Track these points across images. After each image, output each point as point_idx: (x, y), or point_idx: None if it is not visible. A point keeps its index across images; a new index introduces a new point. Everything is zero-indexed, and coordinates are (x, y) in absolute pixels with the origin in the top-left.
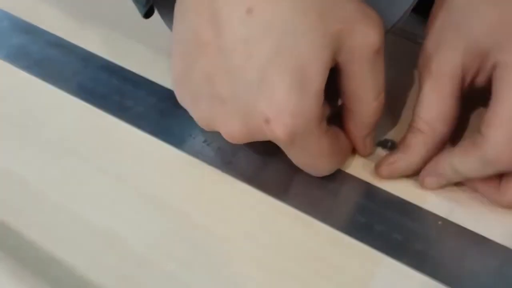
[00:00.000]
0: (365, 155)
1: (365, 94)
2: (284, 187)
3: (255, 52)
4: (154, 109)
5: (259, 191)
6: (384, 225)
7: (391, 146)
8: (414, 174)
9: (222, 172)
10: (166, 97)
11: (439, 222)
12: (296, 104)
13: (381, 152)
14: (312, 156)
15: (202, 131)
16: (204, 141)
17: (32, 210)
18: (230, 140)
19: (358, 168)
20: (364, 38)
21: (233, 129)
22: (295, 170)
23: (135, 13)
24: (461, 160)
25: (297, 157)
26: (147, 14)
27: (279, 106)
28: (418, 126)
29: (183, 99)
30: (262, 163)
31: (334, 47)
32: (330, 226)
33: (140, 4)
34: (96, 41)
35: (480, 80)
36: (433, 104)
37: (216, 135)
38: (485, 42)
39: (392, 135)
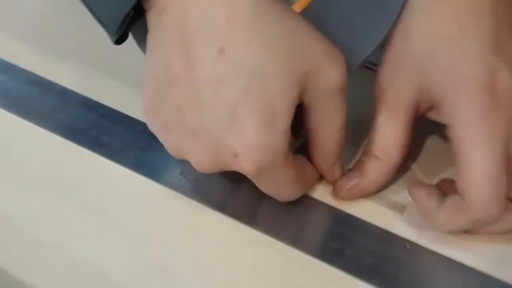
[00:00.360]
0: (333, 182)
1: (328, 129)
2: (256, 214)
3: (226, 90)
4: (132, 144)
5: (233, 220)
6: (355, 249)
7: None
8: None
9: (198, 203)
10: (143, 131)
11: (407, 245)
12: (263, 141)
13: None
14: (278, 185)
15: (179, 163)
16: (181, 173)
17: (13, 245)
18: (199, 170)
19: (327, 193)
20: (329, 78)
21: (203, 160)
22: (264, 197)
23: (112, 49)
24: (449, 222)
25: (264, 186)
26: (119, 41)
27: (248, 142)
28: (374, 152)
29: (153, 126)
30: (235, 191)
31: (301, 86)
32: (302, 252)
33: (111, 33)
34: (73, 77)
35: (433, 115)
36: (388, 133)
37: (192, 167)
38: (438, 87)
39: None
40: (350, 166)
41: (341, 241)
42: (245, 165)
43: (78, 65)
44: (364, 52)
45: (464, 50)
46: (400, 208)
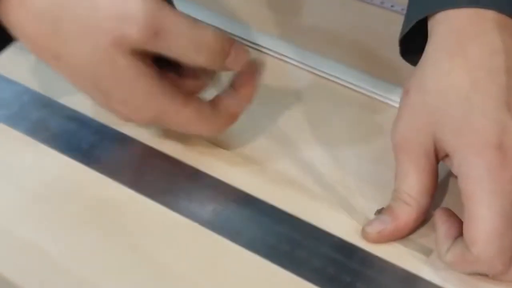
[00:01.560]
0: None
1: (185, 60)
2: (290, 255)
3: (80, 82)
4: (168, 181)
5: (263, 258)
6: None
7: None
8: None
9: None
10: (180, 170)
11: None
12: (131, 101)
13: None
14: (183, 124)
15: (211, 200)
16: (213, 210)
17: (51, 279)
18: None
19: (354, 233)
20: (134, 37)
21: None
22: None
23: None
24: (455, 266)
25: (175, 127)
26: None
27: (126, 106)
28: (403, 198)
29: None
30: (268, 229)
31: (122, 51)
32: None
33: None
34: (111, 113)
35: (449, 164)
36: (414, 180)
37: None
38: (450, 140)
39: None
40: (377, 206)
41: (367, 283)
42: (139, 122)
43: None
44: None
45: (475, 105)
46: (426, 251)
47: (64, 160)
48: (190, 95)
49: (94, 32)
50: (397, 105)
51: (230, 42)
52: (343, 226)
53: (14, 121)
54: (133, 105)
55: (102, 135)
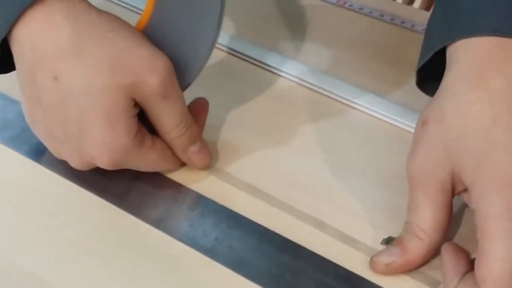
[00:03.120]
0: (198, 168)
1: (162, 126)
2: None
3: (67, 110)
4: (171, 211)
5: None
6: None
7: None
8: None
9: (232, 271)
10: (184, 198)
11: None
12: (110, 142)
13: None
14: (149, 165)
15: (214, 229)
16: (216, 239)
17: None
18: (75, 168)
19: (361, 265)
20: (151, 87)
21: (74, 163)
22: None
23: None
24: None
25: (140, 168)
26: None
27: (98, 147)
28: (416, 232)
29: (36, 134)
30: (276, 260)
31: (129, 95)
32: None
33: None
34: None
35: (466, 198)
36: (428, 215)
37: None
38: (469, 174)
39: (396, 233)
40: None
41: None
42: (103, 165)
43: None
44: (198, 62)
45: (497, 140)
46: (435, 284)
47: (65, 184)
48: (156, 136)
49: (116, 65)
50: (407, 128)
51: (202, 142)
52: (349, 256)
53: (16, 143)
54: (107, 146)
55: None
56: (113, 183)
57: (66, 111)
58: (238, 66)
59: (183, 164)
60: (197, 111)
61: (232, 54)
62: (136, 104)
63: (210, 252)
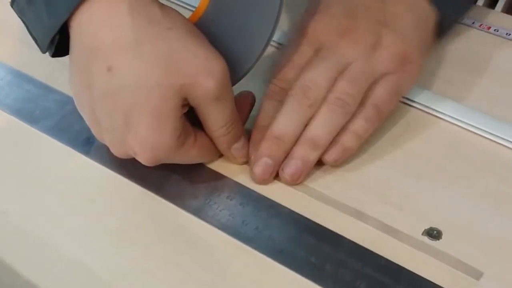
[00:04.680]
0: (237, 163)
1: (210, 126)
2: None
3: (117, 102)
4: (210, 200)
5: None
6: None
7: (437, 235)
8: None
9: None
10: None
11: None
12: (154, 140)
13: (427, 240)
14: (189, 160)
15: (254, 218)
16: (256, 228)
17: None
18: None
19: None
20: (205, 89)
21: (114, 150)
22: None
23: None
24: None
25: (179, 162)
26: (56, 55)
27: (141, 143)
28: None
29: (83, 117)
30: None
31: (180, 96)
32: None
33: (42, 50)
34: None
35: None
36: None
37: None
38: None
39: (437, 224)
40: None
41: None
42: (143, 161)
43: None
44: (251, 60)
45: None
46: (477, 275)
47: (107, 173)
48: (199, 131)
49: (172, 64)
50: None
51: (245, 138)
52: (389, 246)
53: (57, 131)
54: (151, 144)
55: None
56: (152, 172)
57: (115, 103)
58: None
59: (221, 155)
60: (242, 105)
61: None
62: (186, 104)
63: (250, 241)
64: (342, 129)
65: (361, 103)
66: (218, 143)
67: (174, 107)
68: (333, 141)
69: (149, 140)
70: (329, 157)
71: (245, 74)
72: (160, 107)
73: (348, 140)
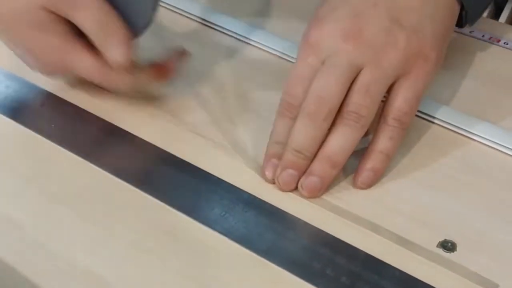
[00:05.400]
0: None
1: (88, 35)
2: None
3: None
4: (232, 209)
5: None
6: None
7: (451, 247)
8: None
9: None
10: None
11: None
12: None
13: (442, 253)
14: (88, 73)
15: (269, 230)
16: (271, 240)
17: None
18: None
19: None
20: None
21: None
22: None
23: None
24: None
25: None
26: None
27: (30, 50)
28: None
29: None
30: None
31: (46, 9)
32: None
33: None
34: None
35: None
36: None
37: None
38: None
39: (452, 236)
40: None
41: None
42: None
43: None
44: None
45: None
46: (492, 286)
47: (119, 184)
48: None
49: None
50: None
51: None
52: (405, 259)
53: (67, 142)
54: (41, 49)
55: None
56: (167, 185)
57: (8, 29)
58: None
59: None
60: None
61: None
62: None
63: (265, 253)
64: (369, 149)
65: (382, 114)
66: (99, 47)
67: (45, 18)
68: (361, 163)
69: (40, 45)
70: (363, 184)
71: (148, 22)
72: (33, 13)
73: (377, 162)
